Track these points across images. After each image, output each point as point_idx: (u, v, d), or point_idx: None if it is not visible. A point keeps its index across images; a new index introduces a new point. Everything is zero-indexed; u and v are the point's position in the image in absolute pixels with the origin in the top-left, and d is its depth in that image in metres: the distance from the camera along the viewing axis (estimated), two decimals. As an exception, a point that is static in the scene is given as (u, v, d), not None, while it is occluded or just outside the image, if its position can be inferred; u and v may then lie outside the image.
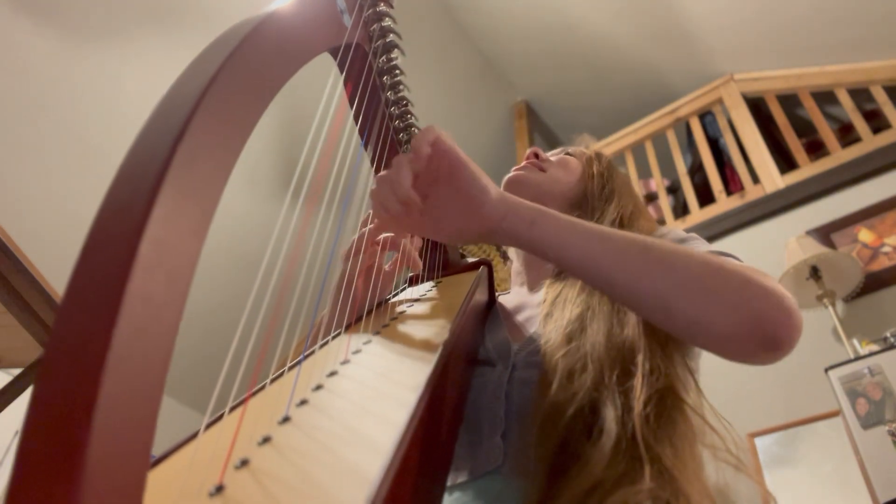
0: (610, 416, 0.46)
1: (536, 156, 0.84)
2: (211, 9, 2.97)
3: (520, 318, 0.70)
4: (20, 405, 1.39)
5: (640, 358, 0.51)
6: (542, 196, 0.78)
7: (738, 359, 0.49)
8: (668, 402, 0.49)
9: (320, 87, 0.49)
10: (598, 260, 0.49)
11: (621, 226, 0.73)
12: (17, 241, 1.20)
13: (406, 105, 0.66)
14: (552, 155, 0.89)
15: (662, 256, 0.49)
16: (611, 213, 0.74)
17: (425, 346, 0.48)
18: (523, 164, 0.84)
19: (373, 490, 0.27)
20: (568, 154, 0.88)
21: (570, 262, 0.51)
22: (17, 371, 1.41)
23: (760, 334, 0.47)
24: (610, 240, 0.50)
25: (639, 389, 0.47)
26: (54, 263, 1.66)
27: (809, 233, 2.46)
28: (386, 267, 0.71)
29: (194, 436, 0.35)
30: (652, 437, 0.45)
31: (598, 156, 0.87)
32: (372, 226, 0.66)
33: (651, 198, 3.50)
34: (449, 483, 0.52)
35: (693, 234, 0.69)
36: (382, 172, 0.53)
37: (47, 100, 2.73)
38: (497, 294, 0.79)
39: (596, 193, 0.78)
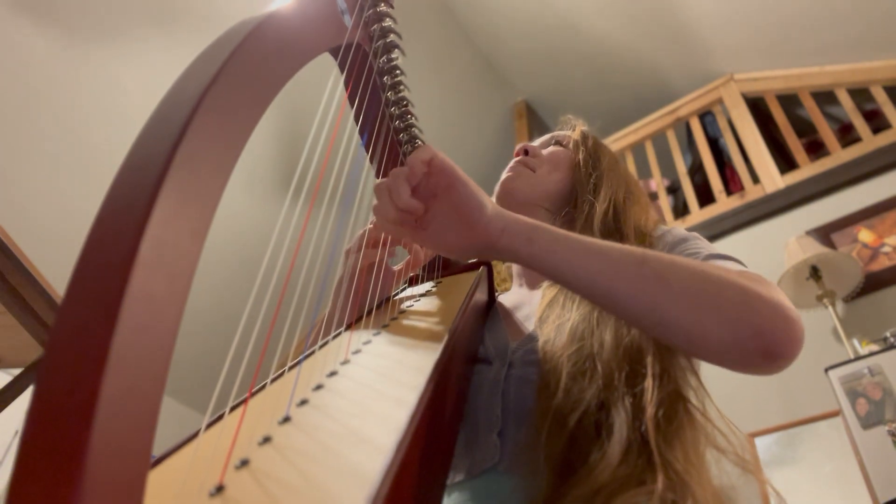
0: (619, 418, 0.46)
1: (526, 152, 0.83)
2: (211, 9, 2.97)
3: (519, 316, 0.70)
4: (20, 405, 1.39)
5: (648, 360, 0.51)
6: (534, 199, 0.78)
7: (738, 370, 0.49)
8: (678, 406, 0.49)
9: (321, 87, 0.49)
10: (594, 276, 0.49)
11: (615, 214, 0.72)
12: (17, 240, 1.20)
13: (406, 105, 0.66)
14: (542, 144, 0.87)
15: (660, 270, 0.49)
16: (602, 202, 0.73)
17: (425, 346, 0.48)
18: (513, 163, 0.83)
19: (373, 490, 0.27)
20: (557, 143, 0.86)
21: (566, 279, 0.51)
22: (17, 371, 1.41)
23: (760, 347, 0.47)
24: (606, 255, 0.50)
25: (650, 393, 0.47)
26: (54, 263, 1.66)
27: (809, 233, 2.46)
28: (395, 268, 0.71)
29: (195, 435, 0.35)
30: (663, 440, 0.45)
31: (584, 139, 0.85)
32: (371, 225, 0.66)
33: (651, 198, 3.50)
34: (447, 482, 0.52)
35: (694, 234, 0.68)
36: (380, 181, 0.53)
37: (47, 99, 2.73)
38: (497, 294, 0.79)
39: (584, 184, 0.77)
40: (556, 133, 0.89)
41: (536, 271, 0.52)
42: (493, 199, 0.81)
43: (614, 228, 0.70)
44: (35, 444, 0.20)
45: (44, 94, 2.71)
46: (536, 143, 0.89)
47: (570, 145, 0.85)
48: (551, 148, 0.85)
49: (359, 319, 0.59)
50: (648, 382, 0.48)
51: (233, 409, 0.39)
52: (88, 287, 0.22)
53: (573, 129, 0.89)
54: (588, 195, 0.75)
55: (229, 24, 0.35)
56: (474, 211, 0.51)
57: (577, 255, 0.50)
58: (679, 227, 0.71)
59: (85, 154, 2.86)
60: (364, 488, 0.27)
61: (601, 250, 0.50)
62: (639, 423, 0.46)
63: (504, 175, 0.82)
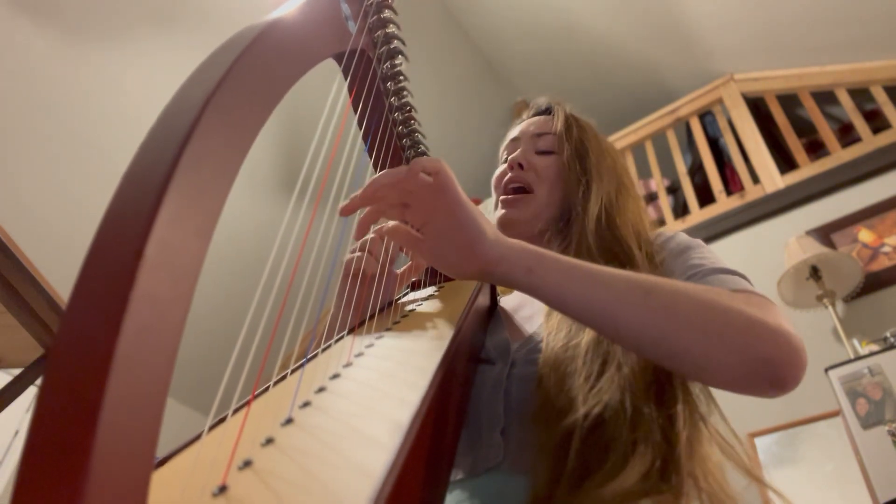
0: (622, 417, 0.47)
1: (521, 166, 0.78)
2: (213, 11, 2.98)
3: (520, 317, 0.71)
4: (20, 405, 1.40)
5: (676, 379, 0.52)
6: (537, 227, 0.76)
7: (744, 394, 0.50)
8: (699, 423, 0.51)
9: (324, 92, 0.50)
10: (598, 308, 0.49)
11: (608, 214, 0.71)
12: (17, 240, 1.21)
13: (409, 111, 0.67)
14: (528, 140, 0.82)
15: (665, 302, 0.49)
16: (593, 204, 0.71)
17: (428, 348, 0.48)
18: (508, 190, 0.79)
19: (377, 486, 0.27)
20: (543, 140, 0.81)
21: (569, 310, 0.50)
22: (17, 371, 1.41)
23: (766, 375, 0.48)
24: (611, 286, 0.49)
25: (682, 416, 0.49)
26: (54, 263, 1.66)
27: (809, 233, 2.46)
28: (397, 271, 0.71)
29: (198, 437, 0.35)
30: (672, 443, 0.47)
31: (568, 130, 0.80)
32: (373, 235, 0.66)
33: (651, 198, 3.51)
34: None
35: (698, 241, 0.67)
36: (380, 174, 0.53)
37: (48, 100, 2.73)
38: (499, 297, 0.80)
39: (575, 190, 0.75)
40: (539, 126, 0.83)
41: (537, 299, 0.52)
42: (495, 223, 0.78)
43: (609, 236, 0.68)
44: (39, 444, 0.20)
45: (44, 94, 2.71)
46: (523, 139, 0.83)
47: (556, 145, 0.80)
48: (544, 160, 0.80)
49: (362, 323, 0.59)
50: (678, 397, 0.50)
51: (235, 411, 0.39)
52: (94, 288, 0.23)
53: (555, 116, 0.83)
54: (580, 200, 0.73)
55: (232, 26, 0.35)
56: (473, 237, 0.50)
57: (580, 286, 0.49)
58: (682, 233, 0.70)
59: (85, 154, 2.86)
60: (368, 485, 0.28)
61: (605, 280, 0.50)
62: (640, 424, 0.47)
63: (500, 210, 0.78)
